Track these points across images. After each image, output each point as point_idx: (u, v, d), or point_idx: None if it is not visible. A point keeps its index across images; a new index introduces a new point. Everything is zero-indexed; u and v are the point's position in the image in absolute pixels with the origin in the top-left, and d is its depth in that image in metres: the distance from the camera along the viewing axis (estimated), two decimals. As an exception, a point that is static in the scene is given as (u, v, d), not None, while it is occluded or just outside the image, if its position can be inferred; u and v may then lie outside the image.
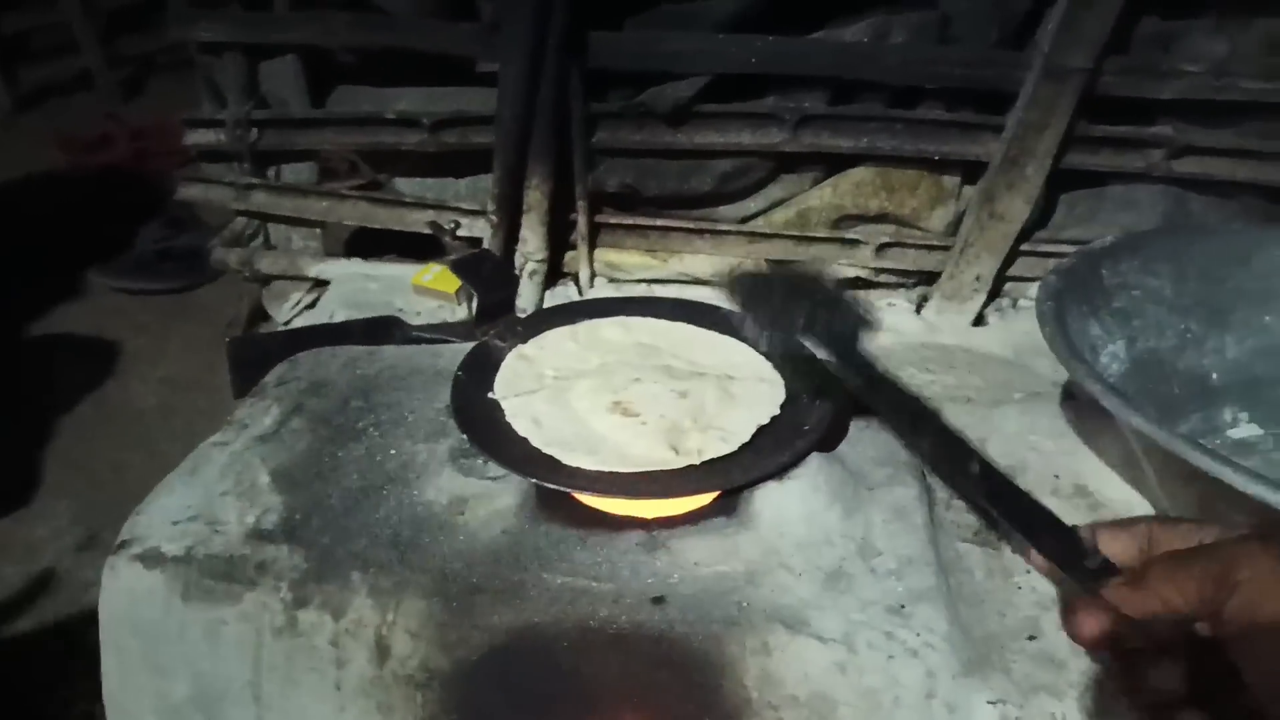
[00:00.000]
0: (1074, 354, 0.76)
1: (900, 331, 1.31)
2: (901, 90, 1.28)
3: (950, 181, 1.33)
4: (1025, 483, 0.90)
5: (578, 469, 0.78)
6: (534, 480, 0.77)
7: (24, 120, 3.17)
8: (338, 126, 1.43)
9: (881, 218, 1.36)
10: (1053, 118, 1.21)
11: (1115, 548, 0.51)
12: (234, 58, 1.40)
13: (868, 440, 0.88)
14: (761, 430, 0.83)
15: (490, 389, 0.90)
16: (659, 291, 1.39)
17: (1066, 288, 0.86)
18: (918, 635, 0.69)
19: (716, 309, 1.01)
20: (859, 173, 1.34)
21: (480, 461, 0.82)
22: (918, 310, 1.34)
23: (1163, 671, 0.46)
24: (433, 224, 1.36)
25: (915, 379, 1.19)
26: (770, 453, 0.80)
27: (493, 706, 0.73)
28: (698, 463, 0.78)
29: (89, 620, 1.35)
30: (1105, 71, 1.19)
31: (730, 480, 0.77)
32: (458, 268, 1.24)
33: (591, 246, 1.41)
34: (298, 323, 1.47)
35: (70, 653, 1.35)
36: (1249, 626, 0.41)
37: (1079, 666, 0.69)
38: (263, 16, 1.39)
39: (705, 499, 0.78)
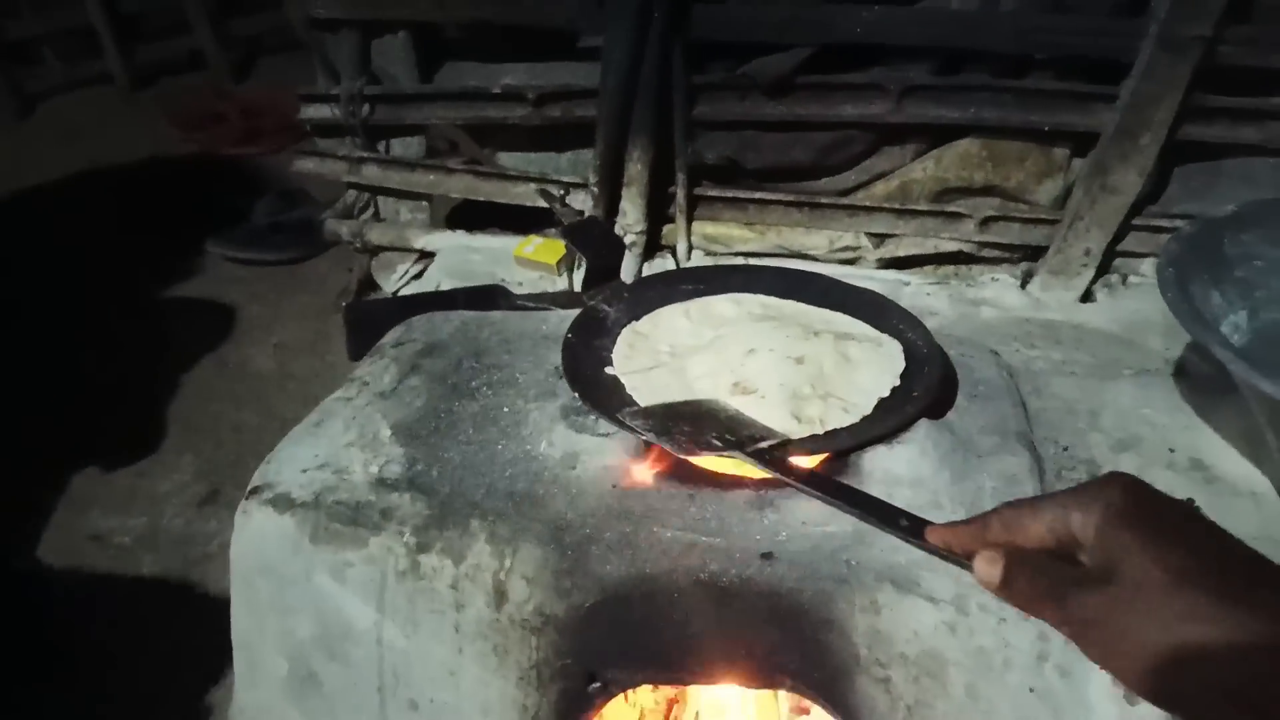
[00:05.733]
0: (1198, 319, 0.74)
1: (1004, 306, 1.29)
2: (1010, 60, 1.26)
3: (1060, 153, 1.31)
4: (1139, 455, 0.90)
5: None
6: (645, 436, 0.79)
7: (140, 98, 3.32)
8: (446, 101, 1.47)
9: (986, 191, 1.34)
10: (1169, 88, 1.18)
11: (943, 534, 0.55)
12: (348, 34, 1.46)
13: (976, 410, 0.87)
14: (869, 391, 0.83)
15: (599, 350, 0.92)
16: (760, 264, 1.40)
17: (1188, 256, 0.84)
18: (1028, 599, 0.69)
19: (819, 277, 1.02)
20: (964, 145, 1.32)
21: (591, 419, 0.85)
22: (1023, 285, 1.32)
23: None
24: (543, 191, 1.39)
25: (1019, 354, 1.17)
26: (878, 417, 0.81)
27: (604, 653, 0.76)
28: (820, 433, 0.79)
29: (212, 570, 1.45)
30: (1225, 40, 1.15)
31: (838, 444, 0.78)
32: (568, 233, 1.27)
33: (690, 219, 1.42)
34: (406, 292, 1.53)
35: (189, 601, 1.43)
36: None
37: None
38: (377, -8, 1.44)
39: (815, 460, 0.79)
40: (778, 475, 0.71)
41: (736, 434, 0.75)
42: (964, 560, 0.52)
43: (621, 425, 0.79)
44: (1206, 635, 0.40)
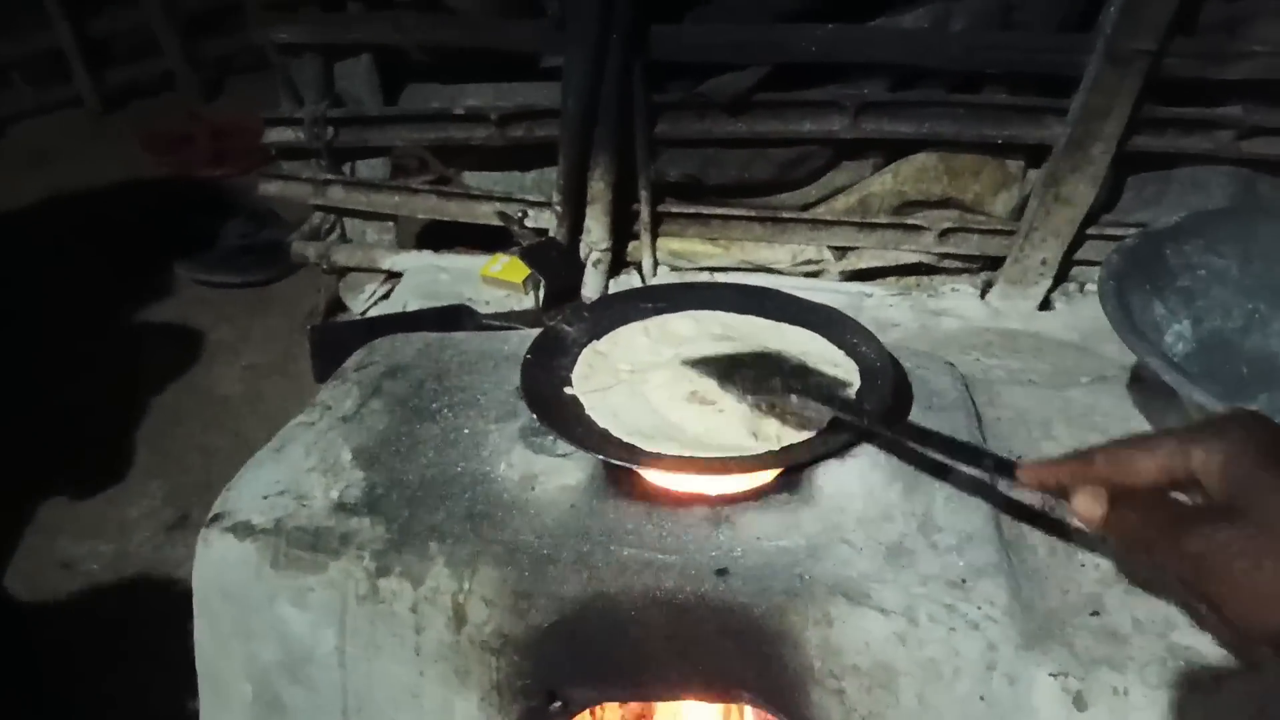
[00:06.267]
0: (1136, 332, 0.76)
1: (964, 316, 1.31)
2: (963, 76, 1.29)
3: (1014, 166, 1.33)
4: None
5: (650, 453, 0.80)
6: (601, 457, 0.80)
7: (111, 120, 3.31)
8: (409, 123, 1.48)
9: (944, 203, 1.36)
10: (1117, 100, 1.20)
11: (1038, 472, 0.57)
12: (311, 58, 1.46)
13: (930, 422, 0.88)
14: (823, 409, 0.85)
15: (559, 370, 0.93)
16: (720, 280, 1.41)
17: (1130, 267, 0.86)
18: (979, 609, 0.70)
19: (778, 293, 1.03)
20: (921, 159, 1.34)
21: (550, 439, 0.85)
22: (982, 295, 1.34)
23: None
24: (501, 213, 1.40)
25: (979, 364, 1.19)
26: (831, 431, 0.82)
27: (564, 672, 0.77)
28: (776, 449, 0.80)
29: (179, 596, 1.44)
30: (1170, 53, 1.17)
31: (792, 458, 0.79)
32: (526, 255, 1.28)
33: (654, 235, 1.43)
34: (373, 312, 1.53)
35: (159, 627, 1.42)
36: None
37: (1141, 642, 0.70)
38: (338, 17, 1.45)
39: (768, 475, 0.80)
40: (851, 419, 0.76)
41: (804, 381, 0.80)
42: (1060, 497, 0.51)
43: (579, 445, 0.80)
44: None
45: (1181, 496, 0.47)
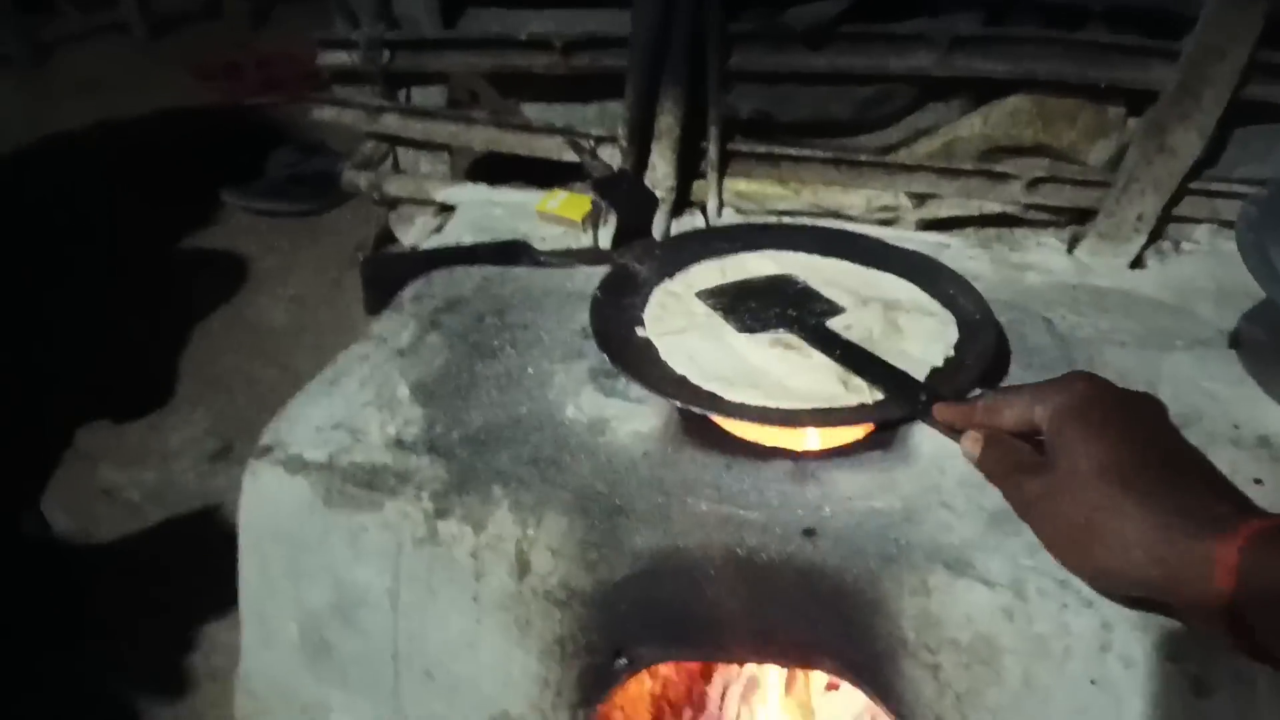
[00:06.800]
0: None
1: (1050, 271, 1.23)
2: (1064, 11, 1.19)
3: (1114, 112, 1.24)
4: (1201, 431, 0.85)
5: (733, 402, 0.75)
6: (678, 403, 0.74)
7: (158, 47, 3.27)
8: (469, 48, 1.41)
9: (1036, 150, 1.28)
10: (1234, 43, 1.11)
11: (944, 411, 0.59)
12: (368, -24, 1.39)
13: (1033, 379, 0.82)
14: (918, 360, 0.78)
15: (629, 311, 0.87)
16: (796, 222, 1.34)
17: (1266, 220, 0.78)
18: (1091, 584, 0.64)
19: (865, 237, 0.96)
20: (1013, 101, 1.25)
21: (621, 383, 0.80)
22: (1070, 250, 1.26)
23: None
24: (573, 143, 1.33)
25: (1066, 321, 1.12)
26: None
27: (632, 629, 0.72)
28: (869, 401, 0.74)
29: (223, 527, 1.42)
30: (1299, -9, 1.08)
31: (888, 413, 0.73)
32: (599, 187, 1.22)
33: (722, 175, 1.36)
34: (425, 246, 1.48)
35: (201, 558, 1.40)
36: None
37: (1268, 628, 0.64)
38: (396, -68, 1.38)
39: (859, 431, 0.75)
40: (821, 349, 0.75)
41: (799, 308, 0.77)
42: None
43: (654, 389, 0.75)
44: (1114, 524, 0.44)
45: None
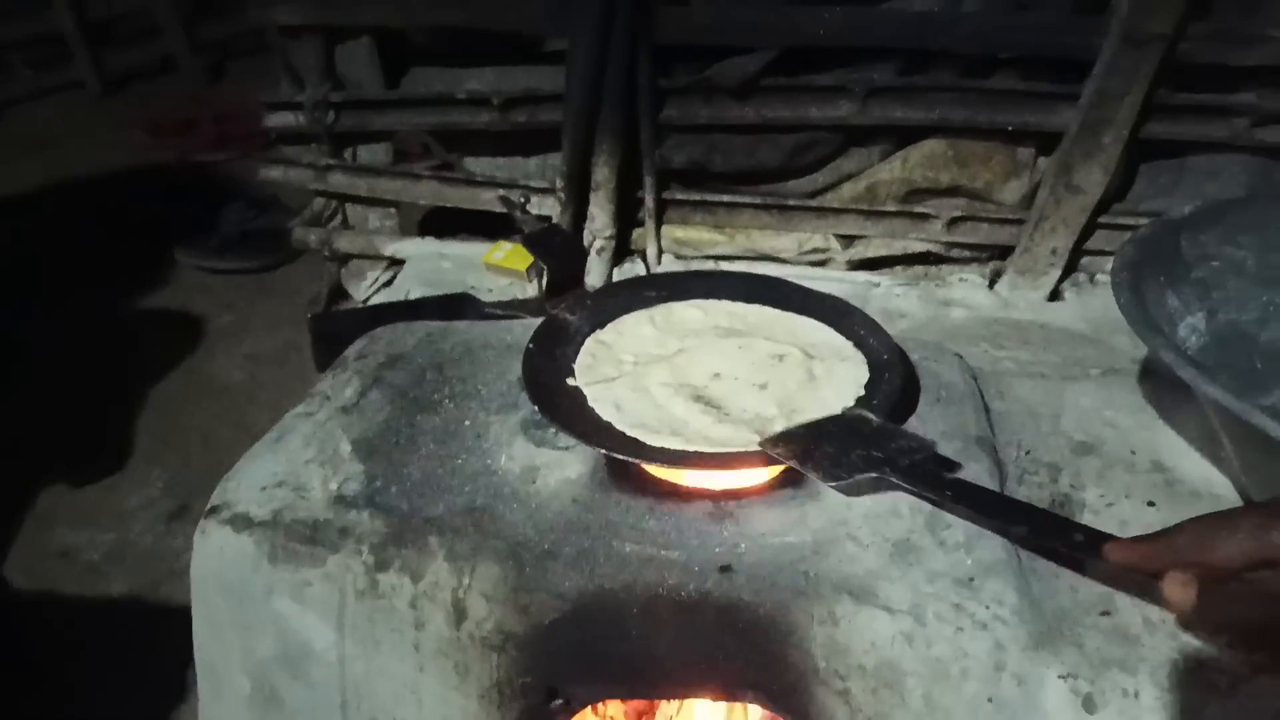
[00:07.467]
0: (1149, 324, 0.74)
1: (973, 306, 1.29)
2: (974, 60, 1.26)
3: (1024, 153, 1.31)
4: (1100, 458, 0.90)
5: (655, 447, 0.79)
6: (604, 451, 0.78)
7: (111, 104, 3.29)
8: (411, 107, 1.46)
9: (953, 191, 1.34)
10: (1132, 85, 1.18)
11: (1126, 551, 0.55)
12: (311, 40, 1.44)
13: (937, 416, 0.87)
14: (830, 403, 0.83)
15: (561, 361, 0.91)
16: (726, 268, 1.39)
17: (1143, 258, 0.84)
18: (987, 608, 0.69)
19: (785, 282, 1.01)
20: (930, 145, 1.32)
21: (551, 432, 0.84)
22: (991, 285, 1.32)
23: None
24: (504, 198, 1.38)
25: (987, 355, 1.17)
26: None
27: (565, 669, 0.75)
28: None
29: (179, 586, 1.43)
30: (1187, 37, 1.15)
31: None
32: (529, 242, 1.26)
33: (659, 223, 1.41)
34: (375, 300, 1.52)
35: (158, 617, 1.41)
36: None
37: (1153, 642, 0.68)
38: (339, -3, 1.42)
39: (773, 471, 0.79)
40: (926, 495, 0.74)
41: (884, 449, 0.75)
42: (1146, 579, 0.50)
43: (581, 439, 0.79)
44: None
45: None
